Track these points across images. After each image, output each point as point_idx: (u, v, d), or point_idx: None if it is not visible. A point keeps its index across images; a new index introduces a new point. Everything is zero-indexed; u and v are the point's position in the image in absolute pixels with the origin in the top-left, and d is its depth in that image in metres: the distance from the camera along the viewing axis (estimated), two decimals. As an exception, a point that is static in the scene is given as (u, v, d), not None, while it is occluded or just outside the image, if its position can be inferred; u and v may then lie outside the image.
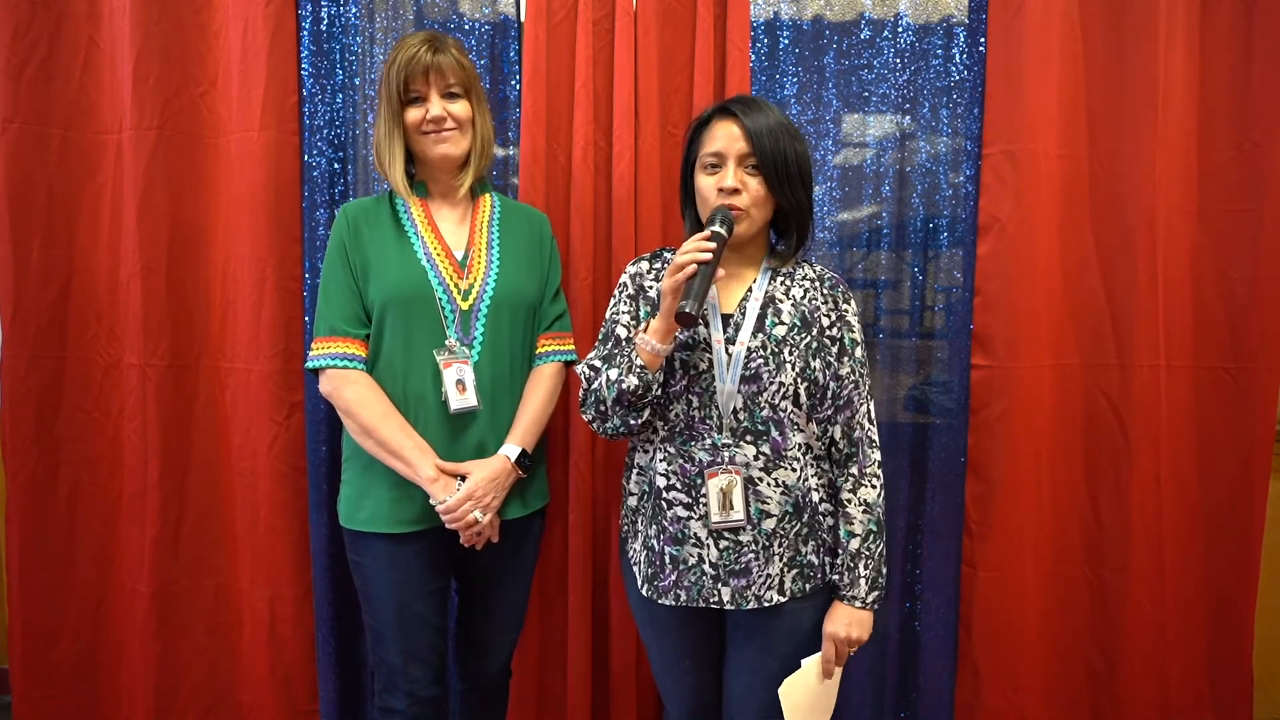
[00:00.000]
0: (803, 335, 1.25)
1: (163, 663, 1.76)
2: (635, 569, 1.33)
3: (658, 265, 1.35)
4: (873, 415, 1.31)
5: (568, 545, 1.74)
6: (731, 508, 1.22)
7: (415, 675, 1.40)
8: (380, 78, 1.39)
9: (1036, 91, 1.63)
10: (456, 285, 1.40)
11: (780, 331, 1.25)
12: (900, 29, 1.72)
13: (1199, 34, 1.66)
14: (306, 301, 1.69)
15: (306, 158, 1.69)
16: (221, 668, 1.79)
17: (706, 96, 1.66)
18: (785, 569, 1.25)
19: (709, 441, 1.23)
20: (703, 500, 1.23)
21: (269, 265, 1.66)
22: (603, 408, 1.24)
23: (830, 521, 1.30)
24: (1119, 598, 1.74)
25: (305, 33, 1.68)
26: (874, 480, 1.29)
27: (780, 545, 1.25)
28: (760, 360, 1.23)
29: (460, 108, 1.38)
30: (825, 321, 1.28)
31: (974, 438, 1.71)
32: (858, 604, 1.26)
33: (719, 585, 1.24)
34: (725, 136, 1.23)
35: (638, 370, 1.19)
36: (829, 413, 1.27)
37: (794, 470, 1.24)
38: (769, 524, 1.23)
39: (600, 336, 1.35)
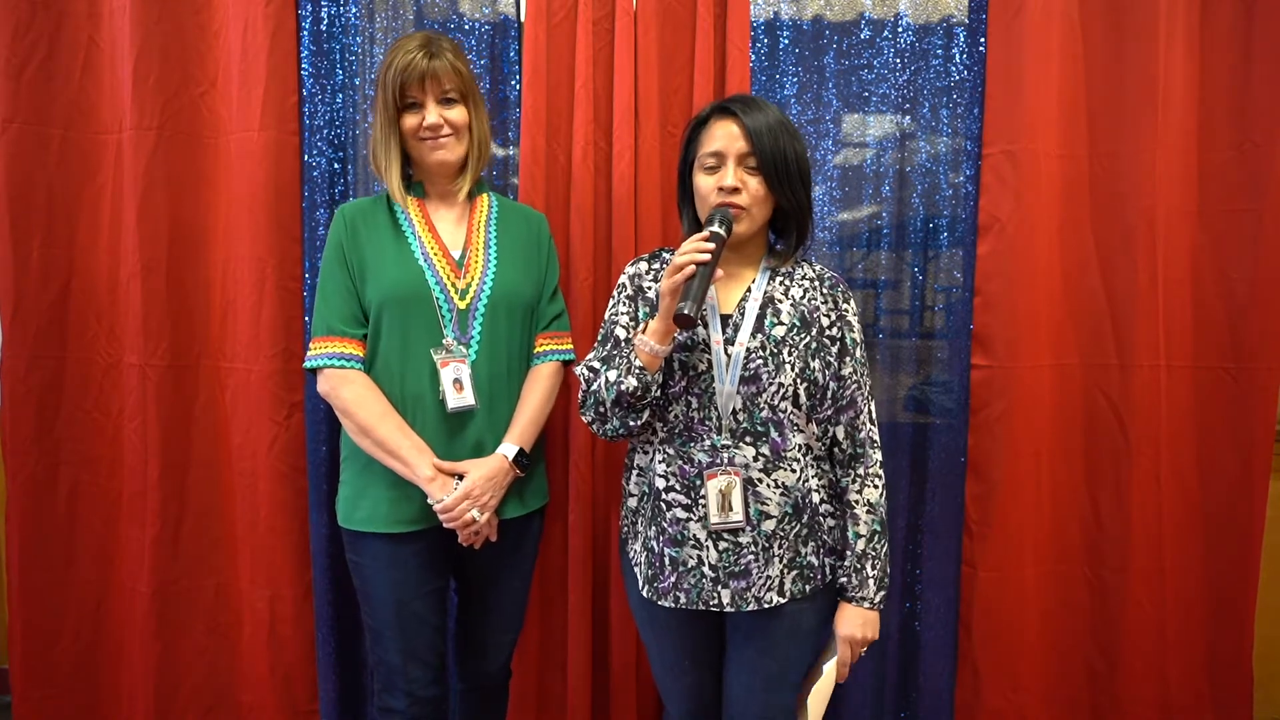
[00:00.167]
0: (802, 335, 1.25)
1: (163, 663, 1.76)
2: (635, 570, 1.33)
3: (656, 266, 1.35)
4: (874, 415, 1.31)
5: (567, 545, 1.74)
6: (730, 509, 1.22)
7: (414, 675, 1.40)
8: (377, 80, 1.39)
9: (1036, 91, 1.63)
10: (454, 285, 1.40)
11: (779, 332, 1.25)
12: (900, 29, 1.72)
13: (1199, 34, 1.66)
14: (306, 301, 1.69)
15: (306, 158, 1.69)
16: (221, 668, 1.79)
17: (706, 96, 1.66)
18: (785, 570, 1.25)
19: (708, 443, 1.23)
20: (702, 502, 1.23)
21: (269, 265, 1.66)
22: (602, 409, 1.23)
23: (830, 522, 1.30)
24: (1119, 598, 1.74)
25: (305, 33, 1.68)
26: (876, 480, 1.29)
27: (780, 546, 1.24)
28: (759, 361, 1.23)
29: (457, 113, 1.38)
30: (825, 321, 1.28)
31: (974, 438, 1.71)
32: (867, 605, 1.26)
33: (719, 587, 1.24)
34: (725, 135, 1.23)
35: (636, 371, 1.18)
36: (829, 413, 1.27)
37: (793, 471, 1.24)
38: (768, 525, 1.23)
39: (599, 338, 1.35)
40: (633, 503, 1.35)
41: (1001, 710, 1.74)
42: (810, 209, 1.29)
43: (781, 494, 1.23)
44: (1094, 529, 1.76)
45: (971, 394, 1.71)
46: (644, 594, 1.30)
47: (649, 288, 1.33)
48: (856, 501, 1.28)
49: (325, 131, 1.70)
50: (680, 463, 1.24)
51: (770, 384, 1.22)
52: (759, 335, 1.24)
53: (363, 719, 1.85)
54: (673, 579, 1.26)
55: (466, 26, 1.73)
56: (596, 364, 1.28)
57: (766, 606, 1.25)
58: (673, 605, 1.27)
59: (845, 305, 1.31)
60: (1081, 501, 1.76)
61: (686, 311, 1.12)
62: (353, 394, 1.35)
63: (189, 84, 1.67)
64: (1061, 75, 1.65)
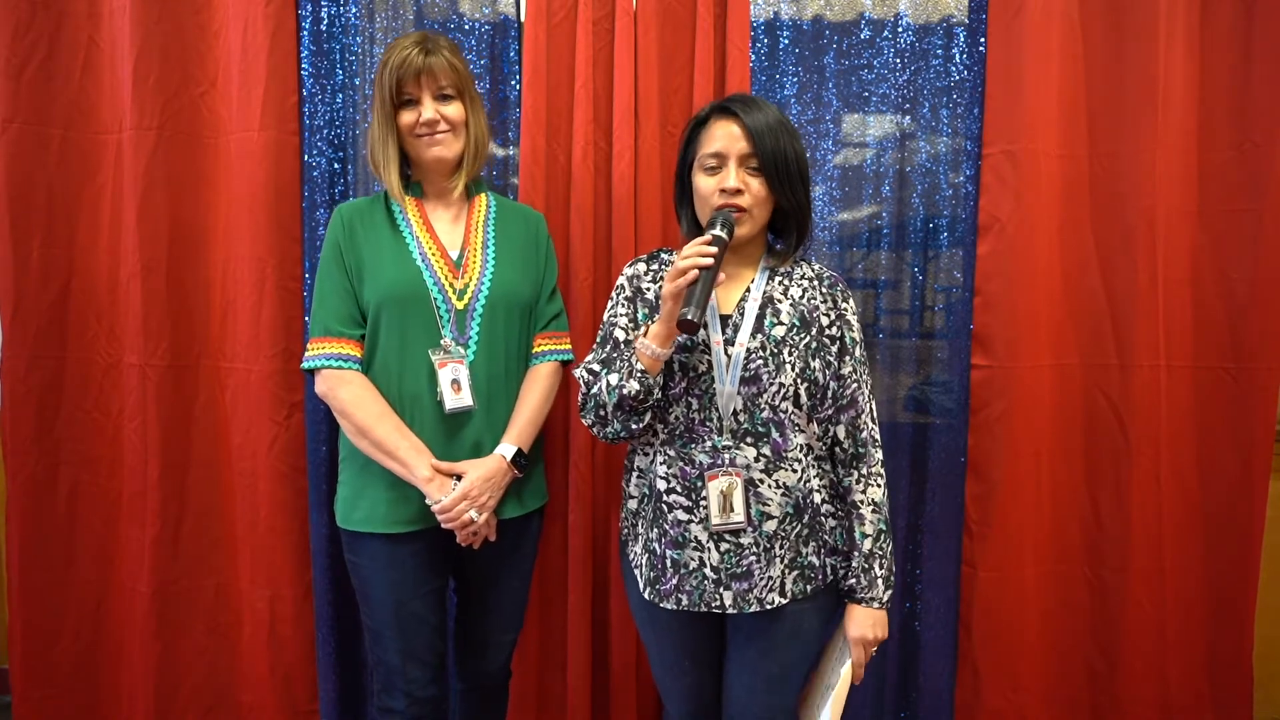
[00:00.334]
0: (802, 335, 1.25)
1: (163, 663, 1.76)
2: (637, 572, 1.33)
3: (655, 267, 1.35)
4: (874, 414, 1.31)
5: (567, 545, 1.74)
6: (732, 510, 1.22)
7: (413, 675, 1.40)
8: (375, 79, 1.39)
9: (1036, 91, 1.63)
10: (452, 285, 1.40)
11: (779, 332, 1.25)
12: (900, 29, 1.72)
13: (1199, 34, 1.66)
14: (306, 301, 1.69)
15: (306, 158, 1.69)
16: (221, 668, 1.79)
17: (706, 96, 1.66)
18: (786, 571, 1.25)
19: (709, 444, 1.23)
20: (703, 503, 1.23)
21: (269, 265, 1.66)
22: (603, 412, 1.23)
23: (831, 523, 1.30)
24: (1119, 598, 1.74)
25: (305, 33, 1.68)
26: (879, 479, 1.29)
27: (781, 547, 1.24)
28: (760, 361, 1.23)
29: (453, 110, 1.38)
30: (824, 321, 1.28)
31: (974, 438, 1.71)
32: (876, 605, 1.26)
33: (720, 589, 1.24)
34: (725, 136, 1.23)
35: (638, 375, 1.18)
36: (830, 413, 1.27)
37: (795, 471, 1.24)
38: (770, 526, 1.23)
39: (598, 340, 1.34)
40: (633, 504, 1.35)
41: (1001, 710, 1.74)
42: (810, 209, 1.29)
43: (783, 494, 1.23)
44: (1094, 529, 1.76)
45: (971, 394, 1.71)
46: (646, 596, 1.30)
47: (648, 289, 1.33)
48: (861, 501, 1.28)
49: (325, 131, 1.70)
50: (681, 464, 1.24)
51: (771, 384, 1.22)
52: (759, 335, 1.24)
53: (363, 719, 1.85)
54: (675, 581, 1.26)
55: (466, 26, 1.73)
56: (596, 366, 1.27)
57: (768, 607, 1.24)
58: (675, 607, 1.27)
59: (844, 304, 1.31)
60: (1081, 501, 1.76)
61: (690, 317, 1.11)
62: (350, 395, 1.35)
63: (189, 84, 1.67)
64: (1061, 75, 1.65)
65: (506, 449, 1.39)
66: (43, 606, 1.74)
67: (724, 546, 1.23)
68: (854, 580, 1.27)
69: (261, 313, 1.66)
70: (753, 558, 1.23)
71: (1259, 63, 1.65)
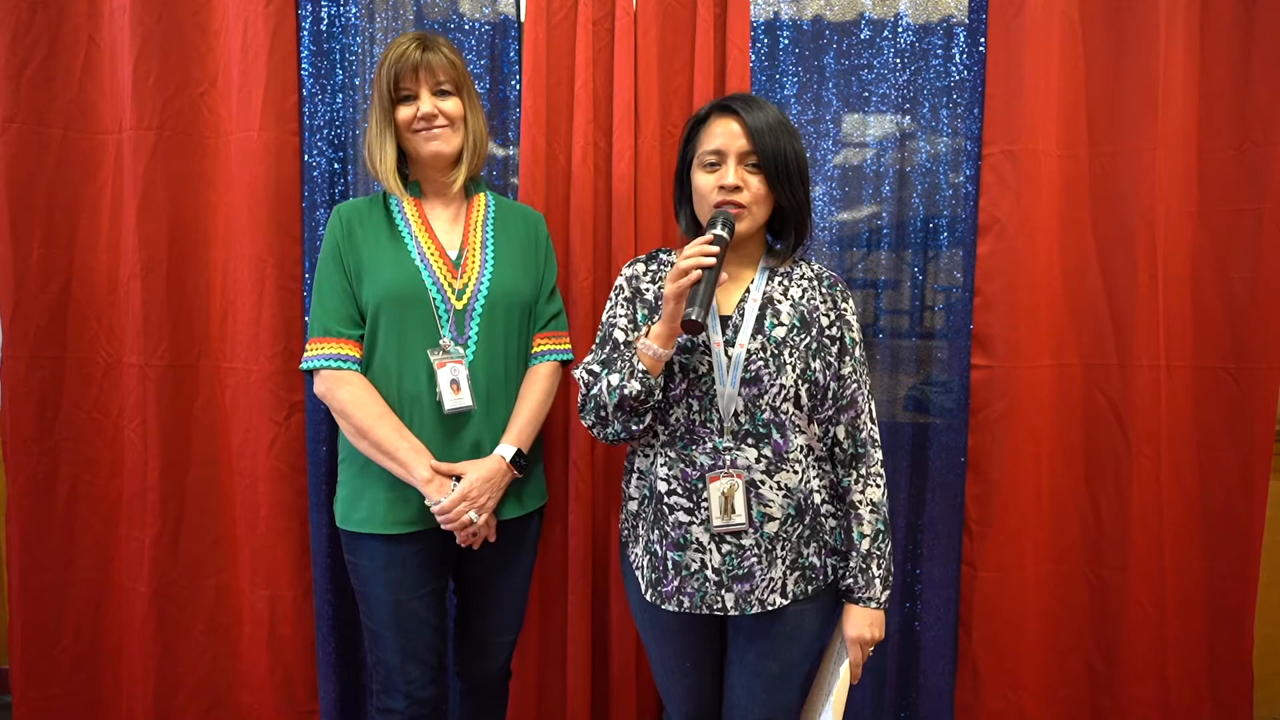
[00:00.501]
0: (802, 336, 1.25)
1: (163, 663, 1.76)
2: (638, 573, 1.33)
3: (654, 267, 1.35)
4: (874, 414, 1.31)
5: (567, 546, 1.74)
6: (733, 511, 1.22)
7: (413, 675, 1.40)
8: (374, 77, 1.39)
9: (1036, 91, 1.63)
10: (451, 284, 1.39)
11: (780, 333, 1.25)
12: (900, 29, 1.72)
13: (1199, 34, 1.66)
14: (306, 301, 1.69)
15: (306, 158, 1.69)
16: (221, 668, 1.79)
17: (706, 96, 1.66)
18: (787, 572, 1.25)
19: (710, 445, 1.23)
20: (704, 505, 1.23)
21: (269, 265, 1.66)
22: (603, 413, 1.23)
23: (832, 523, 1.30)
24: (1119, 597, 1.74)
25: (305, 33, 1.68)
26: (878, 479, 1.29)
27: (783, 548, 1.24)
28: (760, 362, 1.23)
29: (451, 105, 1.38)
30: (824, 321, 1.28)
31: (974, 437, 1.71)
32: (873, 605, 1.26)
33: (722, 591, 1.24)
34: (725, 134, 1.23)
35: (640, 375, 1.18)
36: (830, 413, 1.27)
37: (795, 472, 1.24)
38: (771, 527, 1.23)
39: (597, 340, 1.34)
40: (633, 506, 1.34)
41: (1001, 710, 1.74)
42: (809, 209, 1.29)
43: (784, 495, 1.23)
44: (1094, 529, 1.76)
45: (971, 394, 1.71)
46: (647, 598, 1.30)
47: (647, 289, 1.32)
48: (860, 501, 1.28)
49: (325, 131, 1.70)
50: (682, 466, 1.24)
51: (771, 385, 1.22)
52: (759, 336, 1.24)
53: (363, 719, 1.85)
54: (676, 583, 1.26)
55: (466, 26, 1.73)
56: (596, 367, 1.27)
57: (769, 609, 1.24)
58: (676, 609, 1.26)
59: (844, 305, 1.31)
60: (1081, 501, 1.76)
61: (694, 317, 1.11)
62: (349, 395, 1.35)
63: (189, 84, 1.67)
64: (1061, 75, 1.65)
65: (506, 449, 1.39)
66: (43, 606, 1.75)
67: (725, 548, 1.23)
68: (851, 580, 1.27)
69: (261, 313, 1.66)
70: (754, 559, 1.23)
71: (1259, 63, 1.65)
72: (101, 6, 1.68)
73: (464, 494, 1.33)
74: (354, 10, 1.72)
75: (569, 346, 1.53)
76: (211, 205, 1.71)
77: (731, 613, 1.24)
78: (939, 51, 1.72)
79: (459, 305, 1.39)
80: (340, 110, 1.73)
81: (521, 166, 1.68)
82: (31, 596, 1.74)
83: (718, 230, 1.17)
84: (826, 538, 1.29)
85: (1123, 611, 1.74)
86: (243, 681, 1.78)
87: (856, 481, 1.28)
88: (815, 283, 1.31)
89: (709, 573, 1.24)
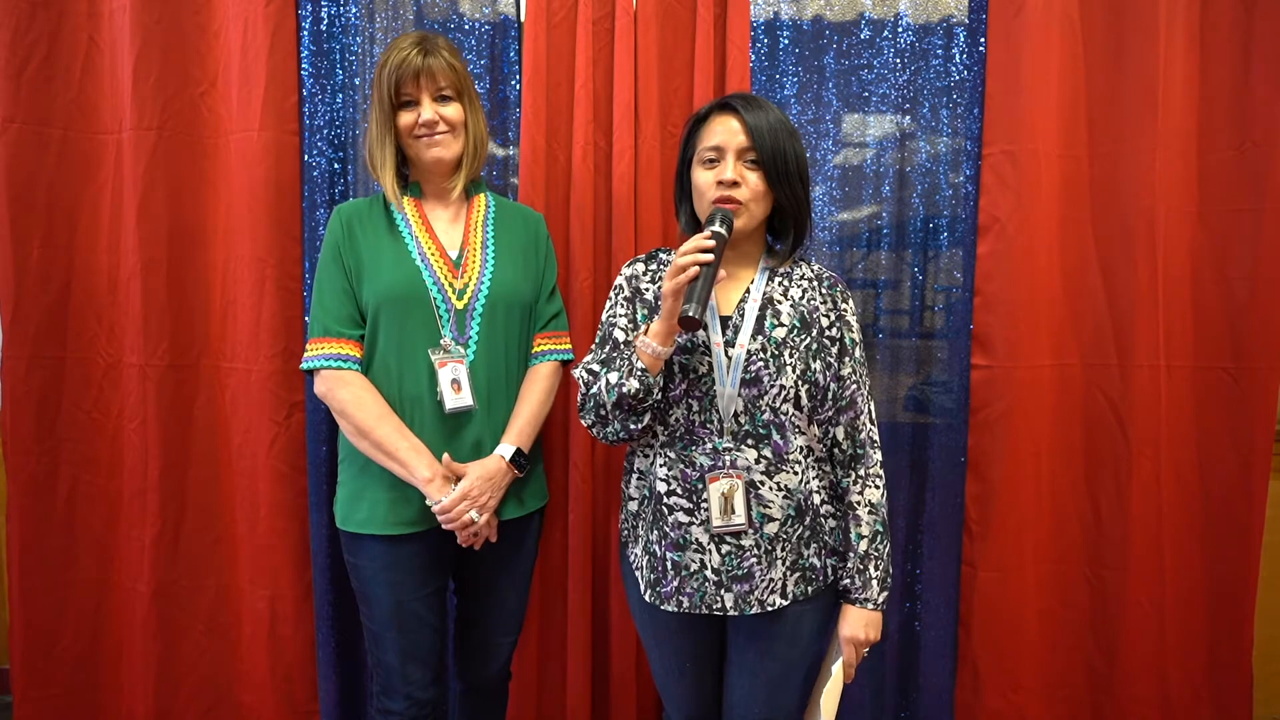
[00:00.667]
0: (802, 336, 1.25)
1: (163, 663, 1.76)
2: (637, 574, 1.33)
3: (654, 267, 1.35)
4: (873, 415, 1.31)
5: (567, 546, 1.74)
6: (733, 512, 1.22)
7: (413, 677, 1.40)
8: (373, 80, 1.39)
9: (1036, 91, 1.63)
10: (451, 284, 1.39)
11: (780, 333, 1.24)
12: (900, 29, 1.72)
13: (1199, 34, 1.66)
14: (306, 301, 1.69)
15: (306, 158, 1.69)
16: (221, 668, 1.79)
17: (706, 96, 1.66)
18: (788, 572, 1.25)
19: (710, 446, 1.23)
20: (704, 505, 1.23)
21: (269, 265, 1.66)
22: (602, 412, 1.23)
23: (832, 523, 1.30)
24: (1119, 597, 1.74)
25: (305, 33, 1.68)
26: (877, 480, 1.29)
27: (782, 549, 1.24)
28: (760, 363, 1.22)
29: (452, 110, 1.38)
30: (824, 322, 1.28)
31: (974, 438, 1.71)
32: (870, 606, 1.26)
33: (721, 591, 1.24)
34: (724, 131, 1.23)
35: (639, 374, 1.18)
36: (830, 414, 1.27)
37: (795, 473, 1.24)
38: (771, 528, 1.23)
39: (597, 340, 1.34)
40: (633, 506, 1.34)
41: (1001, 710, 1.74)
42: (809, 209, 1.29)
43: (784, 496, 1.23)
44: (1094, 529, 1.76)
45: (971, 394, 1.71)
46: (646, 598, 1.30)
47: (646, 289, 1.32)
48: (858, 502, 1.27)
49: (325, 131, 1.70)
50: (682, 466, 1.24)
51: (771, 386, 1.22)
52: (759, 337, 1.24)
53: (363, 719, 1.84)
54: (675, 583, 1.26)
55: (466, 26, 1.73)
56: (595, 366, 1.27)
57: (769, 609, 1.24)
58: (675, 609, 1.26)
59: (844, 305, 1.31)
60: (1081, 501, 1.76)
61: (692, 314, 1.11)
62: (350, 395, 1.35)
63: (189, 84, 1.67)
64: (1061, 75, 1.65)
65: (506, 449, 1.39)
66: (43, 606, 1.74)
67: (725, 548, 1.23)
68: (849, 581, 1.27)
69: (261, 312, 1.66)
70: (754, 560, 1.23)
71: (1259, 63, 1.65)
72: (101, 6, 1.68)
73: (465, 493, 1.33)
74: (354, 10, 1.72)
75: (569, 346, 1.53)
76: (211, 205, 1.71)
77: (731, 613, 1.24)
78: (939, 51, 1.72)
79: (460, 305, 1.39)
80: (340, 110, 1.73)
81: (521, 166, 1.68)
82: (31, 596, 1.74)
83: (716, 227, 1.17)
84: (826, 538, 1.29)
85: (1122, 611, 1.74)
86: (243, 681, 1.78)
87: (855, 482, 1.28)
88: (815, 283, 1.31)
89: (708, 573, 1.24)
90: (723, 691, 1.36)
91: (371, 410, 1.35)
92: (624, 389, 1.18)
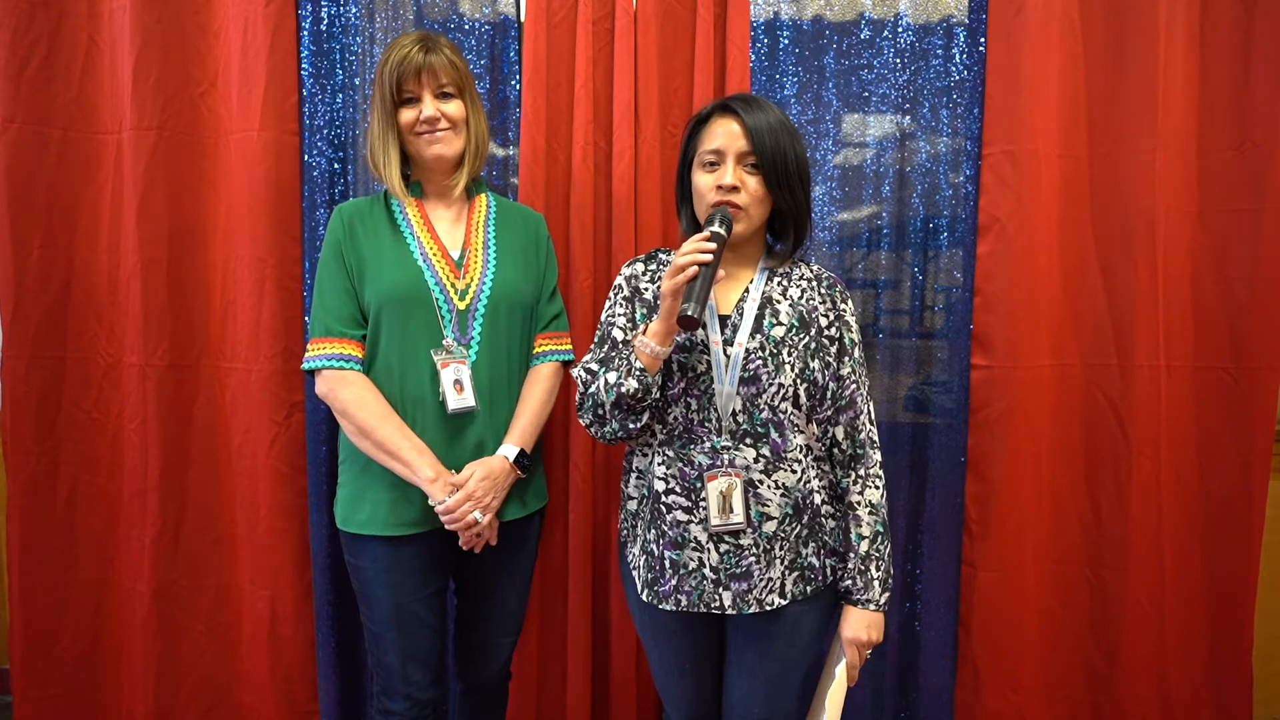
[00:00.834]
0: (801, 336, 1.25)
1: (163, 663, 1.76)
2: (635, 573, 1.33)
3: (653, 267, 1.35)
4: (872, 415, 1.31)
5: (567, 546, 1.74)
6: (731, 511, 1.22)
7: (414, 677, 1.40)
8: (375, 78, 1.39)
9: (1036, 91, 1.63)
10: (453, 285, 1.39)
11: (778, 332, 1.25)
12: (900, 29, 1.72)
13: (1199, 34, 1.66)
14: (306, 301, 1.69)
15: (306, 158, 1.69)
16: (221, 668, 1.79)
17: (706, 97, 1.66)
18: (786, 572, 1.25)
19: (708, 444, 1.23)
20: (702, 504, 1.23)
21: (269, 265, 1.66)
22: (601, 411, 1.23)
23: (831, 523, 1.30)
24: (1119, 597, 1.74)
25: (305, 33, 1.68)
26: (877, 480, 1.29)
27: (781, 548, 1.24)
28: (759, 362, 1.22)
29: (454, 107, 1.38)
30: (823, 321, 1.28)
31: (974, 438, 1.71)
32: (872, 607, 1.26)
33: (720, 590, 1.24)
34: (725, 134, 1.23)
35: (637, 373, 1.18)
36: (829, 413, 1.27)
37: (794, 472, 1.24)
38: (770, 526, 1.23)
39: (596, 339, 1.34)
40: (632, 505, 1.34)
41: (1001, 710, 1.74)
42: (809, 211, 1.29)
43: (782, 495, 1.23)
44: (1094, 529, 1.76)
45: (971, 394, 1.71)
46: (644, 598, 1.30)
47: (646, 289, 1.32)
48: (858, 502, 1.27)
49: (325, 131, 1.70)
50: (680, 465, 1.24)
51: (770, 385, 1.22)
52: (758, 336, 1.24)
53: (363, 719, 1.84)
54: (673, 582, 1.26)
55: (466, 26, 1.73)
56: (594, 366, 1.27)
57: (768, 609, 1.24)
58: (673, 609, 1.26)
59: (843, 305, 1.31)
60: (1081, 501, 1.76)
61: (690, 313, 1.11)
62: (352, 395, 1.35)
63: (189, 84, 1.67)
64: (1061, 75, 1.65)
65: (510, 449, 1.39)
66: (43, 606, 1.75)
67: (723, 547, 1.23)
68: (850, 582, 1.27)
69: (261, 312, 1.66)
70: (752, 559, 1.23)
71: (1259, 63, 1.65)
72: (101, 6, 1.68)
73: (469, 493, 1.32)
74: (354, 10, 1.72)
75: (570, 347, 1.53)
76: (211, 205, 1.71)
77: (729, 612, 1.24)
78: (939, 51, 1.72)
79: (462, 305, 1.39)
80: (340, 110, 1.73)
81: (521, 166, 1.68)
82: (31, 596, 1.74)
83: (715, 227, 1.17)
84: (826, 538, 1.29)
85: (1122, 611, 1.74)
86: (243, 681, 1.78)
87: (855, 482, 1.28)
88: (814, 283, 1.31)
89: (706, 571, 1.24)
90: (722, 692, 1.36)
91: (374, 410, 1.34)
92: (622, 389, 1.18)
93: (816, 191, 1.74)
